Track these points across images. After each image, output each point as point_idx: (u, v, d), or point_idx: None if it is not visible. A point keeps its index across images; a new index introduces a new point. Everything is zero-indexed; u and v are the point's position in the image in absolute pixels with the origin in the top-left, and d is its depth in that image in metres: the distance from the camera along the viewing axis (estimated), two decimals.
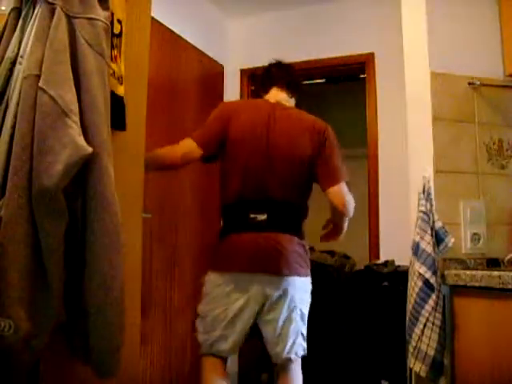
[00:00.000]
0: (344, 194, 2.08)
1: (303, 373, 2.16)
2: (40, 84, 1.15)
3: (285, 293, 2.04)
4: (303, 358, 2.17)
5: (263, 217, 2.01)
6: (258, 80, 2.43)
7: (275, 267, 2.00)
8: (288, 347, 2.09)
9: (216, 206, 3.44)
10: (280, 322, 2.06)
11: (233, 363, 3.47)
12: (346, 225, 2.21)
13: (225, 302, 2.06)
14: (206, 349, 2.12)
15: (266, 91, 2.30)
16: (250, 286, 2.03)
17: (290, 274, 2.04)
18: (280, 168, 2.07)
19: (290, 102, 2.31)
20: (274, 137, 2.09)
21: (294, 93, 2.31)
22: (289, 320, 2.07)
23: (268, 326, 2.08)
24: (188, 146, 2.10)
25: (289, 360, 2.12)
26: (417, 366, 1.72)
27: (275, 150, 2.08)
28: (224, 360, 2.12)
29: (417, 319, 1.73)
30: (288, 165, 2.09)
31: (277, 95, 2.26)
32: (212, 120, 2.18)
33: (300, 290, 2.09)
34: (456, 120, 2.03)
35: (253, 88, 3.73)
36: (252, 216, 2.02)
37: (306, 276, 2.13)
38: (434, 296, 1.71)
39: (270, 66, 2.39)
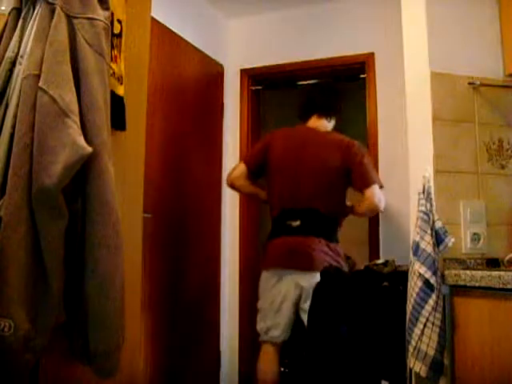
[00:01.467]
0: (374, 197, 2.50)
1: (304, 373, 2.18)
2: (40, 84, 1.15)
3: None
4: (303, 358, 2.21)
5: (297, 223, 2.47)
6: (300, 107, 2.81)
7: (304, 264, 2.43)
8: None
9: (216, 206, 3.46)
10: None
11: (234, 362, 3.48)
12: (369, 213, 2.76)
13: (271, 295, 2.52)
14: (262, 336, 2.56)
15: (307, 119, 2.73)
16: (287, 279, 2.47)
17: (318, 270, 2.36)
18: (310, 183, 2.52)
19: (328, 126, 2.73)
20: (304, 158, 2.56)
21: (333, 116, 2.74)
22: None
23: (305, 315, 2.39)
24: (240, 169, 2.72)
25: None
26: (417, 366, 1.72)
27: (306, 169, 2.54)
28: (278, 346, 2.55)
29: (417, 319, 1.73)
30: (318, 179, 2.53)
31: (316, 122, 2.70)
32: (256, 146, 2.85)
33: None
34: (456, 120, 2.03)
35: (253, 88, 3.74)
36: (288, 223, 2.50)
37: None
38: (434, 296, 1.71)
39: (310, 93, 2.85)
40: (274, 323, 2.53)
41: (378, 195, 2.52)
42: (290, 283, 2.48)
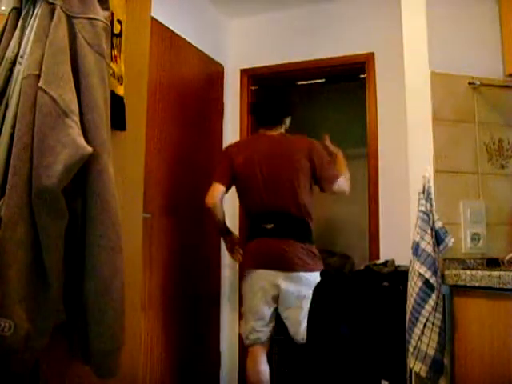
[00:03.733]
0: (343, 188, 2.70)
1: (303, 373, 2.18)
2: (40, 84, 1.15)
3: (292, 285, 2.48)
4: (303, 358, 2.23)
5: (270, 226, 2.55)
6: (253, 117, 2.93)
7: (278, 263, 2.50)
8: (301, 332, 2.46)
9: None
10: (291, 310, 2.50)
11: (234, 362, 3.47)
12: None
13: (251, 296, 2.57)
14: (245, 340, 2.61)
15: (258, 129, 2.84)
16: (264, 279, 2.52)
17: (294, 270, 2.49)
18: (279, 186, 2.58)
19: (282, 130, 2.77)
20: (269, 163, 2.61)
21: (282, 124, 2.77)
22: (299, 308, 2.48)
23: (283, 314, 2.55)
24: (220, 190, 2.66)
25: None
26: (417, 366, 1.72)
27: (272, 174, 2.59)
28: (264, 345, 2.60)
29: (417, 319, 1.73)
30: (286, 181, 2.57)
31: (267, 132, 2.75)
32: (220, 162, 2.76)
33: (305, 282, 2.48)
34: (456, 120, 2.03)
35: (253, 88, 3.74)
36: (263, 226, 2.57)
37: (311, 271, 2.52)
38: (434, 296, 1.71)
39: (254, 107, 2.98)
40: (255, 325, 2.57)
41: (344, 184, 2.71)
42: (264, 283, 2.53)
